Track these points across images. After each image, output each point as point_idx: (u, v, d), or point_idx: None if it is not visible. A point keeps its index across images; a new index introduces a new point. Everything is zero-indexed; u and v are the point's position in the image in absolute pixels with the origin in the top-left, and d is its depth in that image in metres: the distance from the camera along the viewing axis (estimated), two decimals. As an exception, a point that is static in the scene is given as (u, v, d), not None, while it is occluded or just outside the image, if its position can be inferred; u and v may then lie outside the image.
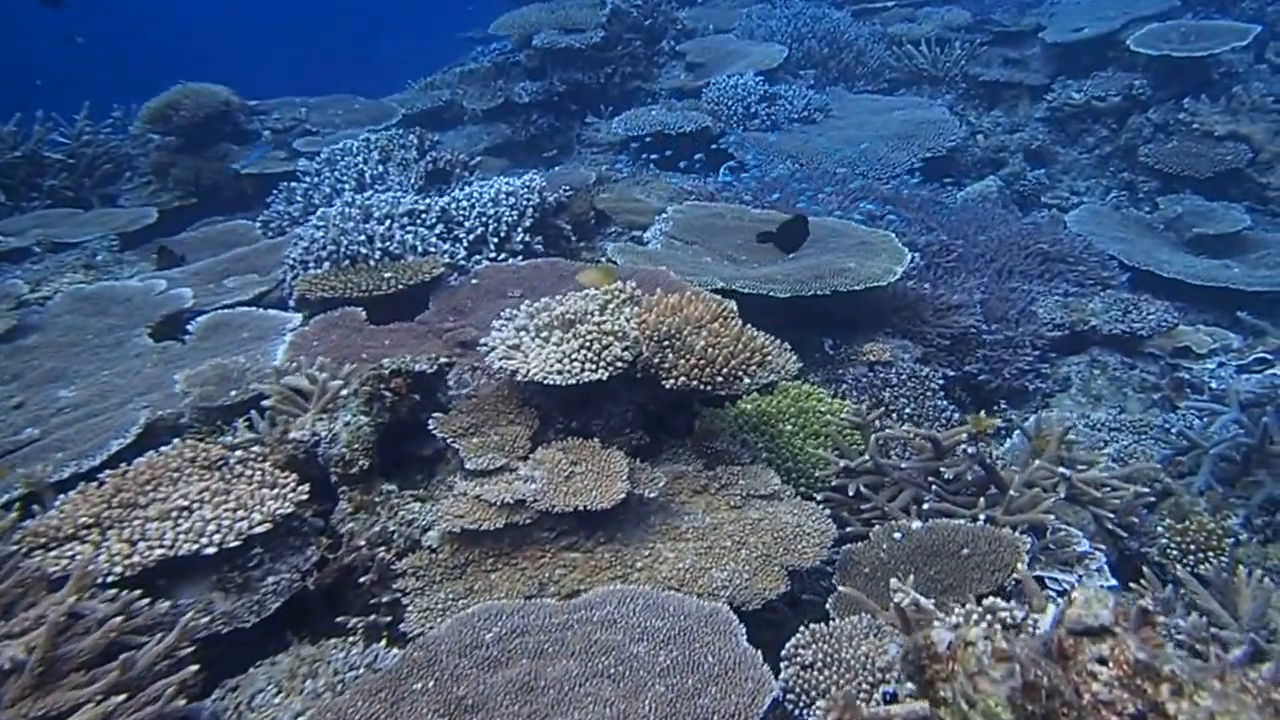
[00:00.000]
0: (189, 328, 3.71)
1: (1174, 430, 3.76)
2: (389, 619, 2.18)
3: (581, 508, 2.27)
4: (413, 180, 5.14)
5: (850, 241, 4.35)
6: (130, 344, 3.60)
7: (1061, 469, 2.75)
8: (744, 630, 1.93)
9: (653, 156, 6.61)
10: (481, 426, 2.54)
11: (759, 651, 1.87)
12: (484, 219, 4.24)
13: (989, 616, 1.38)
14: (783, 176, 5.94)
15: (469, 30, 10.37)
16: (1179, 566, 2.81)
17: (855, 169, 6.26)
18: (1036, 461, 2.80)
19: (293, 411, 2.55)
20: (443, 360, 2.64)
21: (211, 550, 2.07)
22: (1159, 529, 3.02)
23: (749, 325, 2.80)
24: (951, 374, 4.08)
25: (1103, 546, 2.69)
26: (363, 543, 2.28)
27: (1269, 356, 4.35)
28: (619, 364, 2.50)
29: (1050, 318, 4.64)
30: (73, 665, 1.66)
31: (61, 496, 2.23)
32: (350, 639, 2.06)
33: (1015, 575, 2.19)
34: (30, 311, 3.95)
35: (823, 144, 6.68)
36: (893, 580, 1.97)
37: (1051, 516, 2.57)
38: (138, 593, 1.91)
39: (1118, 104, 7.04)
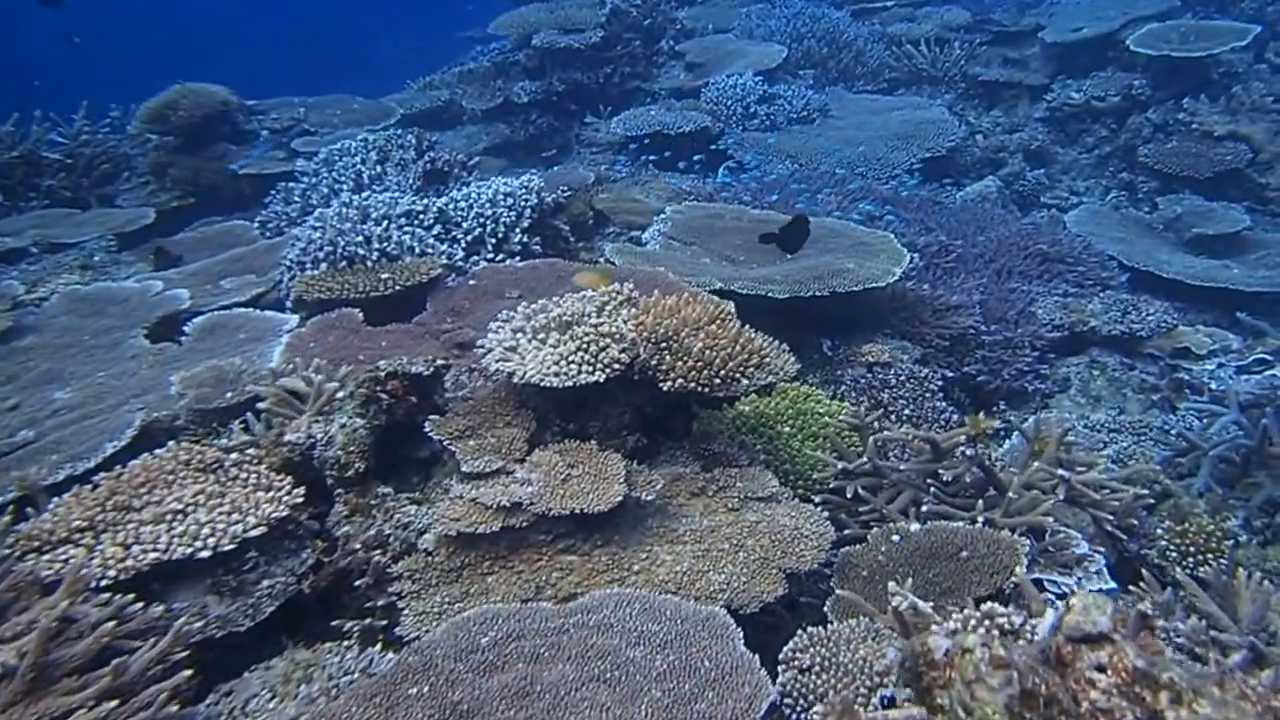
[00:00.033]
0: (185, 329, 3.70)
1: (1173, 432, 3.75)
2: (385, 622, 2.17)
3: (578, 510, 2.27)
4: (410, 181, 5.13)
5: (849, 242, 4.34)
6: (126, 345, 3.59)
7: (1060, 471, 2.74)
8: (741, 634, 1.92)
9: (651, 157, 6.59)
10: (478, 429, 2.53)
11: (756, 655, 1.86)
12: (482, 220, 4.23)
13: (987, 622, 1.37)
14: (781, 177, 5.93)
15: (469, 30, 10.36)
16: (1178, 569, 2.80)
17: (854, 169, 6.25)
18: (1035, 463, 2.80)
19: (288, 414, 2.53)
20: (439, 362, 2.63)
21: (206, 554, 2.06)
22: (1158, 531, 3.01)
23: (747, 326, 2.79)
24: (950, 375, 4.07)
25: (1102, 549, 2.68)
26: (358, 546, 2.27)
27: (1268, 357, 4.34)
28: (616, 366, 2.49)
29: (1049, 318, 4.63)
30: (65, 670, 1.65)
31: (56, 499, 2.22)
32: (345, 643, 2.05)
33: (1014, 579, 2.18)
34: (26, 312, 3.94)
35: (822, 144, 6.67)
36: (890, 584, 1.96)
37: (1050, 519, 2.56)
38: (131, 596, 1.90)
39: (1117, 104, 7.03)
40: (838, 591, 2.35)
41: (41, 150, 6.27)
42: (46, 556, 1.99)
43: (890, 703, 1.58)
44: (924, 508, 2.69)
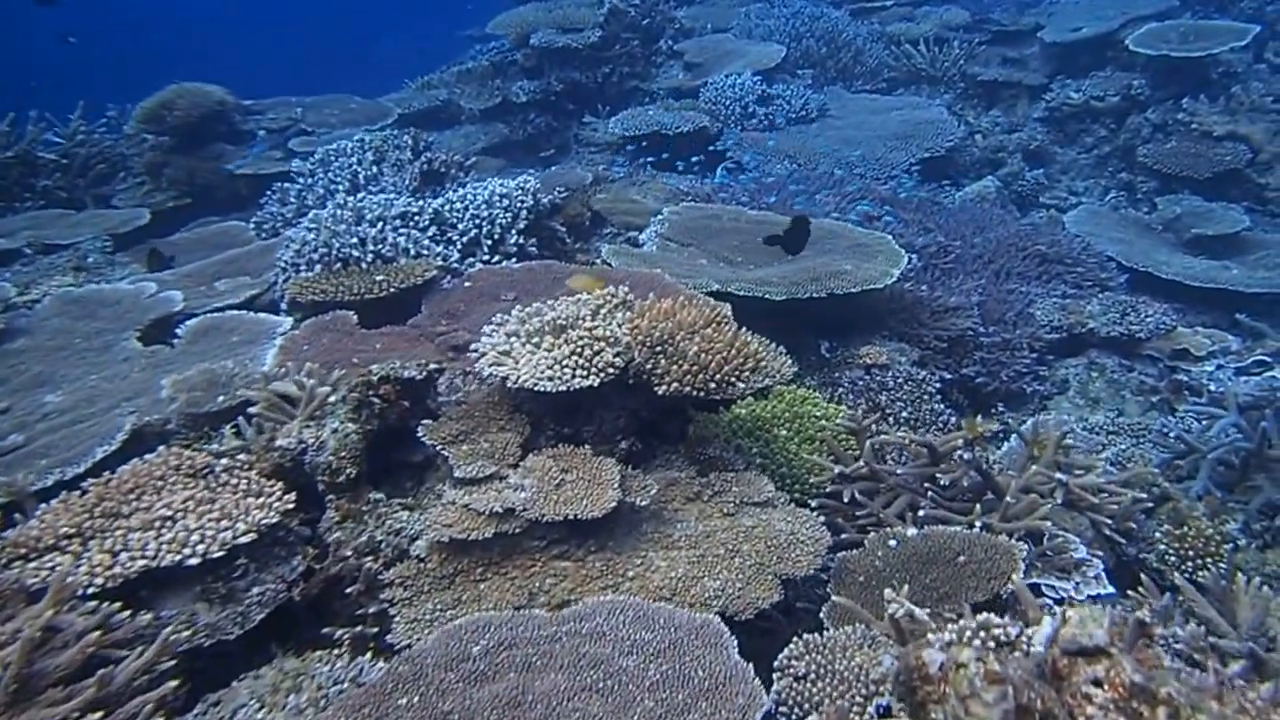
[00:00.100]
0: (178, 331, 3.68)
1: (1172, 434, 3.73)
2: (376, 630, 2.15)
3: (572, 516, 2.24)
4: (407, 181, 5.11)
5: (847, 243, 4.32)
6: (119, 348, 3.56)
7: (1059, 474, 2.72)
8: (735, 642, 1.90)
9: (649, 159, 6.57)
10: (471, 433, 2.51)
11: (750, 665, 1.84)
12: (477, 221, 4.21)
13: (982, 634, 1.35)
14: (780, 177, 5.91)
15: (468, 29, 10.33)
16: (1177, 573, 2.79)
17: (853, 170, 6.23)
18: (1033, 467, 2.78)
19: (280, 418, 2.51)
20: (432, 366, 2.61)
21: (195, 561, 2.04)
22: (1157, 535, 2.99)
23: (744, 329, 2.77)
24: (949, 377, 4.05)
25: (1100, 553, 2.66)
26: (350, 552, 2.25)
27: (1268, 359, 4.32)
28: (611, 370, 2.47)
29: (1048, 320, 4.61)
30: (49, 681, 1.63)
31: (43, 505, 2.20)
32: (335, 652, 2.03)
33: (1010, 585, 2.16)
34: (18, 315, 3.92)
35: (820, 144, 6.65)
36: (887, 591, 1.94)
37: (1048, 523, 2.54)
38: (118, 605, 1.88)
39: (1116, 104, 7.01)
40: (834, 598, 2.33)
41: (37, 150, 6.25)
42: (33, 564, 1.97)
43: (886, 711, 1.56)
44: (921, 512, 2.67)
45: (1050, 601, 2.45)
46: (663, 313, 2.60)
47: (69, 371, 3.41)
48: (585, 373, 2.44)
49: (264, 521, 2.16)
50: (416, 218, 4.15)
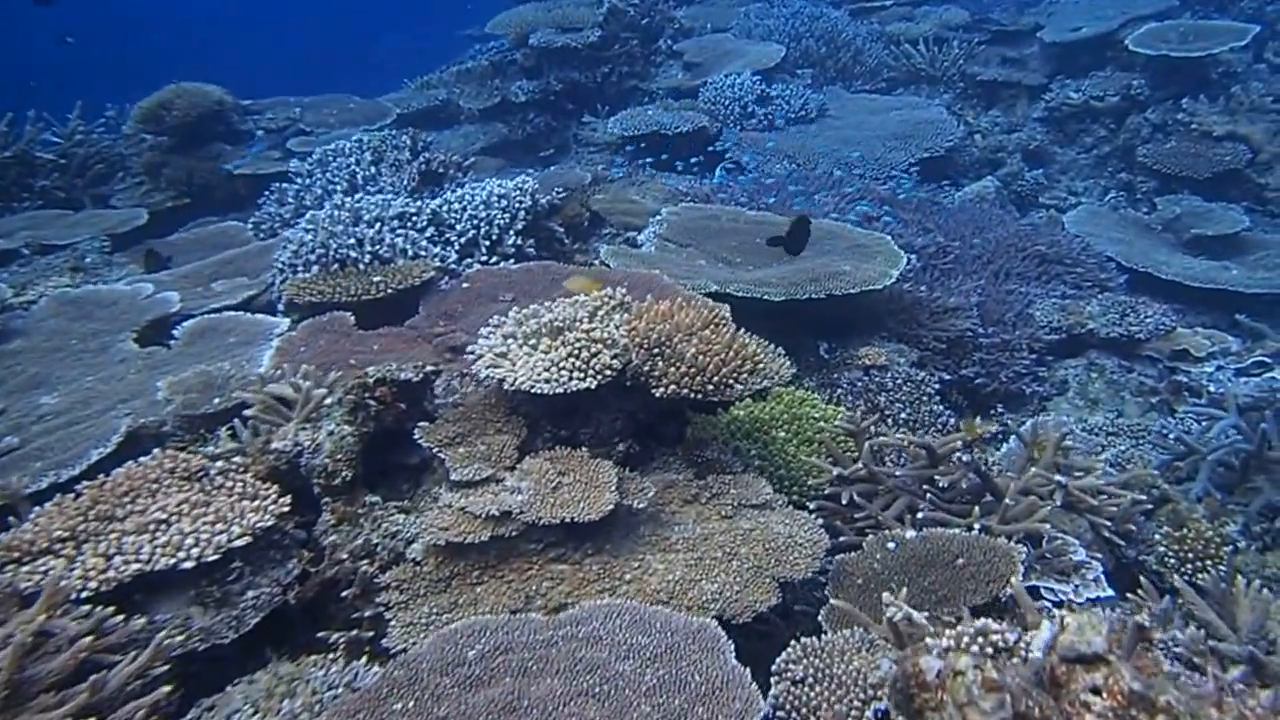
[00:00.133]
0: (175, 332, 3.67)
1: (1171, 435, 3.72)
2: (371, 634, 2.14)
3: (569, 519, 2.23)
4: (405, 182, 5.09)
5: (845, 244, 4.31)
6: (115, 349, 3.55)
7: (1058, 476, 2.71)
8: (732, 647, 1.89)
9: (648, 159, 6.56)
10: (468, 436, 2.50)
11: (747, 669, 1.83)
12: (475, 222, 4.19)
13: (980, 639, 1.34)
14: (779, 178, 5.90)
15: (468, 28, 10.32)
16: (1176, 575, 2.77)
17: (852, 170, 6.22)
18: (1033, 469, 2.77)
19: (276, 421, 2.50)
20: (429, 368, 2.60)
21: (189, 565, 2.02)
22: (1156, 537, 2.98)
23: (742, 330, 2.76)
24: (948, 378, 4.04)
25: (1099, 555, 2.65)
26: (345, 556, 2.24)
27: (1268, 360, 4.31)
28: (608, 372, 2.46)
29: (1047, 320, 4.60)
30: (41, 687, 1.61)
31: (37, 508, 2.19)
32: (330, 656, 2.01)
33: (1009, 589, 2.15)
34: (14, 316, 3.90)
35: (819, 144, 6.64)
36: (885, 594, 1.93)
37: (1048, 525, 2.53)
38: (111, 609, 1.87)
39: (1116, 104, 7.00)
40: (832, 601, 2.32)
41: (35, 150, 6.23)
42: (26, 567, 1.96)
43: (884, 716, 1.55)
44: (920, 514, 2.66)
45: (1050, 604, 2.45)
46: (660, 314, 2.59)
47: (65, 373, 3.40)
48: (582, 375, 2.43)
49: (259, 525, 2.15)
50: (414, 218, 4.14)
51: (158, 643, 1.79)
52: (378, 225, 4.01)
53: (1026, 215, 6.37)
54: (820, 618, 2.28)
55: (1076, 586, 2.49)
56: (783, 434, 3.13)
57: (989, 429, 3.72)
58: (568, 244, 4.63)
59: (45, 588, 1.79)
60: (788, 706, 1.91)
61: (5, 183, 6.03)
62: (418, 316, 3.65)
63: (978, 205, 6.10)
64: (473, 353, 2.58)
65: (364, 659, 2.04)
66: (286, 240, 4.07)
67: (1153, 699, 1.11)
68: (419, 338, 3.51)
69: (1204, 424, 3.69)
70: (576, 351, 2.45)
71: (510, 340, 2.56)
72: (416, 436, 2.46)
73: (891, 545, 2.46)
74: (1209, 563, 2.87)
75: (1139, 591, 2.56)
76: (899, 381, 3.79)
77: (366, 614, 2.18)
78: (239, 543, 2.10)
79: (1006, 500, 2.59)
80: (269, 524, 2.17)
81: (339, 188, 5.08)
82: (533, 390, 2.41)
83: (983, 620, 1.42)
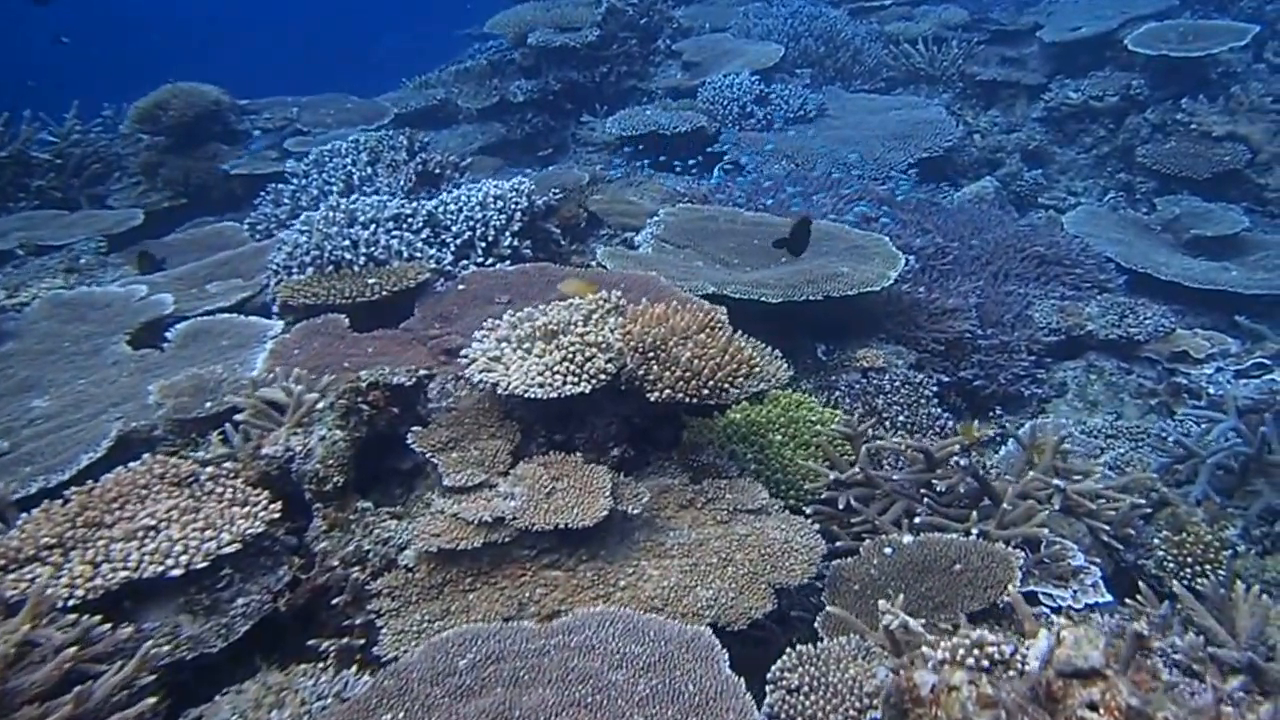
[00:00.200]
0: (168, 335, 3.64)
1: (1171, 438, 3.70)
2: (363, 641, 2.12)
3: (563, 525, 2.21)
4: (402, 182, 5.07)
5: (844, 245, 4.29)
6: (107, 352, 3.53)
7: (1056, 480, 2.68)
8: (726, 656, 1.87)
9: (646, 159, 6.53)
10: (461, 441, 2.48)
11: (741, 679, 1.81)
12: (471, 223, 4.17)
13: (975, 652, 1.32)
14: (777, 178, 5.88)
15: (467, 27, 10.29)
16: (1176, 580, 2.75)
17: (851, 170, 6.20)
18: (1031, 473, 2.74)
19: (267, 425, 2.48)
20: (422, 372, 2.58)
21: (178, 572, 2.00)
22: (1155, 541, 2.96)
23: (739, 332, 2.74)
24: (946, 380, 4.02)
25: (1098, 559, 2.63)
26: (336, 562, 2.22)
27: (1267, 362, 4.29)
28: (602, 376, 2.43)
29: (1046, 322, 4.58)
30: (25, 698, 1.59)
31: (24, 515, 2.17)
32: (319, 665, 1.99)
33: (1006, 596, 2.13)
34: (6, 318, 3.88)
35: (818, 145, 6.61)
36: (881, 602, 1.91)
37: (1046, 529, 2.51)
38: (97, 618, 1.84)
39: (1115, 104, 6.97)
40: (828, 608, 2.30)
41: (31, 150, 6.21)
42: (12, 575, 1.94)
43: (879, 726, 1.52)
44: (917, 519, 2.64)
45: (1048, 610, 2.42)
46: (655, 318, 2.57)
47: (57, 376, 3.38)
48: (576, 379, 2.41)
49: (249, 531, 2.13)
50: (410, 220, 4.11)
51: (144, 652, 1.77)
52: (373, 227, 3.98)
53: (1025, 216, 6.35)
54: (816, 624, 2.26)
55: (1075, 592, 2.46)
56: (779, 437, 3.10)
57: (987, 432, 3.69)
58: (564, 245, 4.61)
59: (31, 596, 1.77)
60: (783, 715, 1.89)
61: (1, 183, 6.00)
62: (413, 319, 3.62)
63: (976, 206, 6.08)
64: (466, 357, 2.56)
65: (354, 667, 2.02)
66: (281, 242, 4.04)
67: (1150, 715, 1.09)
68: (414, 340, 3.49)
69: (1203, 426, 3.67)
70: (571, 355, 2.43)
71: (504, 344, 2.54)
72: (409, 441, 2.44)
73: (888, 550, 2.44)
74: (1208, 567, 2.85)
75: (1138, 596, 2.54)
76: (897, 384, 3.77)
77: (358, 621, 2.16)
78: (229, 550, 2.08)
79: (1004, 504, 2.57)
80: (259, 530, 2.15)
81: (335, 188, 5.05)
82: (527, 394, 2.38)
83: (979, 631, 1.40)
